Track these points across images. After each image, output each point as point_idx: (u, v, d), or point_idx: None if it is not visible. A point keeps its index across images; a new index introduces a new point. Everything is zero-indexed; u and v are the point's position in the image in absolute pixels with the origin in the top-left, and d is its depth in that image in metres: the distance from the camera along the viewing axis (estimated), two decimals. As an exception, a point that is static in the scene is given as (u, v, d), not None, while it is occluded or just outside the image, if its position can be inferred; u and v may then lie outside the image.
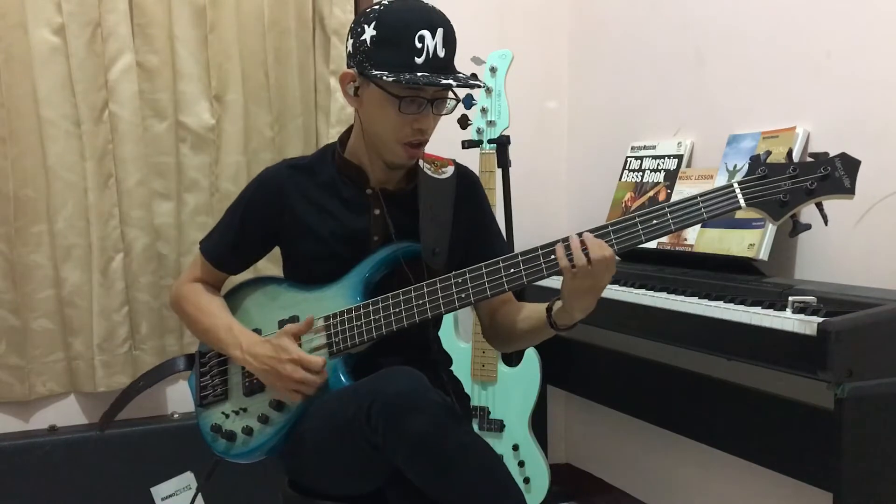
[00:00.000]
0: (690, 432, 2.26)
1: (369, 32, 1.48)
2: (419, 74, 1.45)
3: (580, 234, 1.39)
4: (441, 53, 1.47)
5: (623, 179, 2.57)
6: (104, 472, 2.38)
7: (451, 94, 1.53)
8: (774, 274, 1.99)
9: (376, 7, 1.50)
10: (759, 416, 2.00)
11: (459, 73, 1.52)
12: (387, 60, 1.46)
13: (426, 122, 1.52)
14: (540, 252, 1.43)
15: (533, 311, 1.58)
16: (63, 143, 2.37)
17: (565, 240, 1.40)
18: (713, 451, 2.22)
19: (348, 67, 1.55)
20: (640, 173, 2.50)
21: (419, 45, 1.45)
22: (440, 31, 1.47)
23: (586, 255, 1.36)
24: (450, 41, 1.49)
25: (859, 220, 1.88)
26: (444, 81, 1.46)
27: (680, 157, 2.39)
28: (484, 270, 1.46)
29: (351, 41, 1.53)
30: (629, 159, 2.57)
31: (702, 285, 1.92)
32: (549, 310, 1.51)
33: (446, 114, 1.56)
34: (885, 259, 1.84)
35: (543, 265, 1.42)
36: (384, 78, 1.45)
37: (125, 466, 2.40)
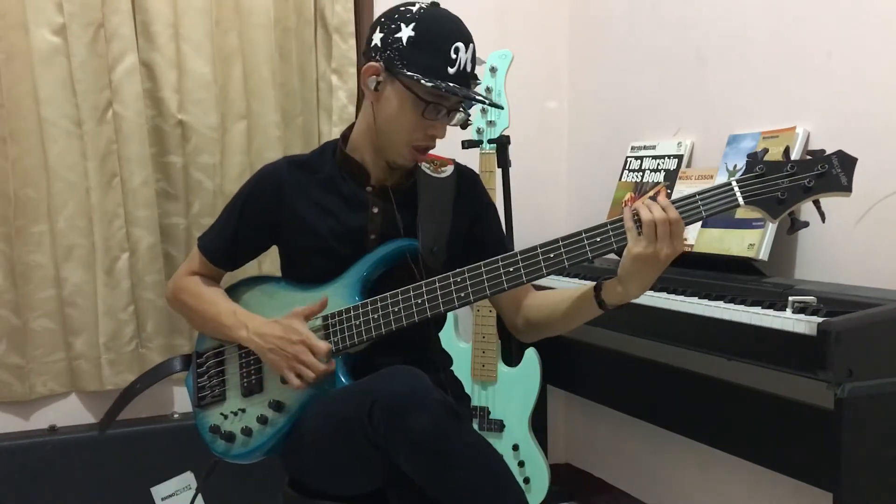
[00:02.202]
0: (690, 432, 2.26)
1: (407, 32, 1.48)
2: (452, 84, 1.48)
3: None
4: (469, 68, 1.52)
5: (623, 179, 2.57)
6: (104, 472, 2.38)
7: (461, 108, 1.57)
8: (774, 274, 1.99)
9: (413, 9, 1.51)
10: (759, 416, 2.00)
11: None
12: (422, 63, 1.48)
13: (441, 130, 1.56)
14: (539, 251, 1.43)
15: (572, 292, 1.55)
16: (64, 143, 2.37)
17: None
18: (713, 451, 2.22)
19: (368, 60, 1.54)
20: (640, 173, 2.50)
21: (454, 56, 1.48)
22: (471, 46, 1.52)
23: (653, 216, 1.35)
24: (474, 58, 1.54)
25: (859, 219, 1.88)
26: (480, 97, 1.52)
27: (680, 157, 2.39)
28: (483, 269, 1.46)
29: (380, 35, 1.52)
30: (629, 159, 2.57)
31: (702, 285, 1.92)
32: (597, 289, 1.48)
33: (455, 125, 1.60)
34: (885, 259, 1.84)
35: (542, 264, 1.42)
36: (421, 81, 1.46)
37: (125, 466, 2.40)
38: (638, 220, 1.37)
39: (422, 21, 1.49)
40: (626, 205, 2.50)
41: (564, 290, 1.60)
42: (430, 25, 1.49)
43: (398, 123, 1.54)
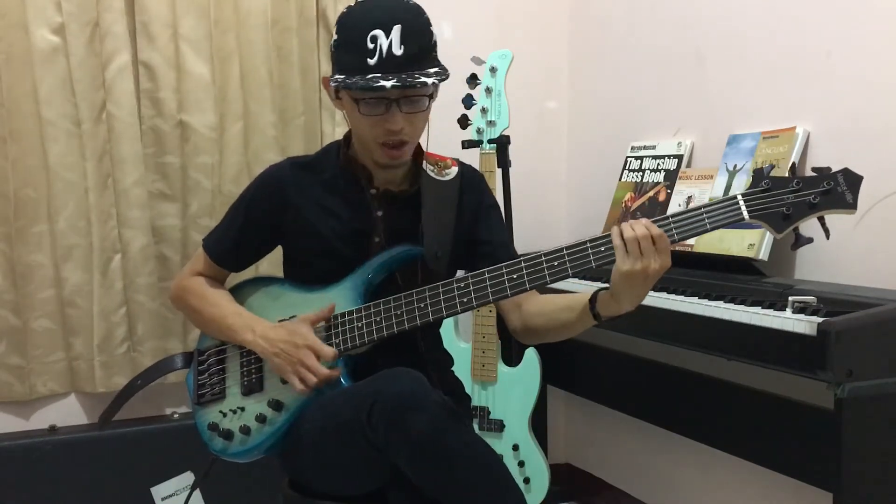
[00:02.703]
0: (690, 432, 2.26)
1: (335, 38, 1.51)
2: (369, 76, 1.44)
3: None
4: (398, 51, 1.44)
5: (623, 179, 2.57)
6: (104, 472, 2.38)
7: (432, 90, 1.51)
8: (774, 274, 1.99)
9: (344, 10, 1.52)
10: (759, 416, 2.00)
11: (430, 68, 1.48)
12: (344, 64, 1.48)
13: (395, 123, 1.50)
14: (543, 258, 1.43)
15: (571, 301, 1.55)
16: (64, 143, 2.36)
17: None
18: (713, 451, 2.22)
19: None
20: (640, 173, 2.50)
21: (371, 46, 1.44)
22: (397, 28, 1.44)
23: (635, 232, 1.36)
24: (411, 37, 1.45)
25: (859, 220, 1.88)
26: (379, 84, 1.42)
27: (680, 157, 2.39)
28: (487, 276, 1.46)
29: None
30: (629, 159, 2.57)
31: (702, 285, 1.92)
32: (592, 300, 1.48)
33: (421, 111, 1.52)
34: (885, 259, 1.84)
35: (546, 272, 1.42)
36: (334, 83, 1.49)
37: (125, 466, 2.40)
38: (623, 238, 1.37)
39: (340, 22, 1.50)
40: (625, 205, 2.50)
41: (562, 297, 1.61)
42: (347, 23, 1.49)
43: (356, 126, 1.55)
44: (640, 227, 1.36)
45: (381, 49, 1.44)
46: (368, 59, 1.44)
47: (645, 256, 1.36)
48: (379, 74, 1.44)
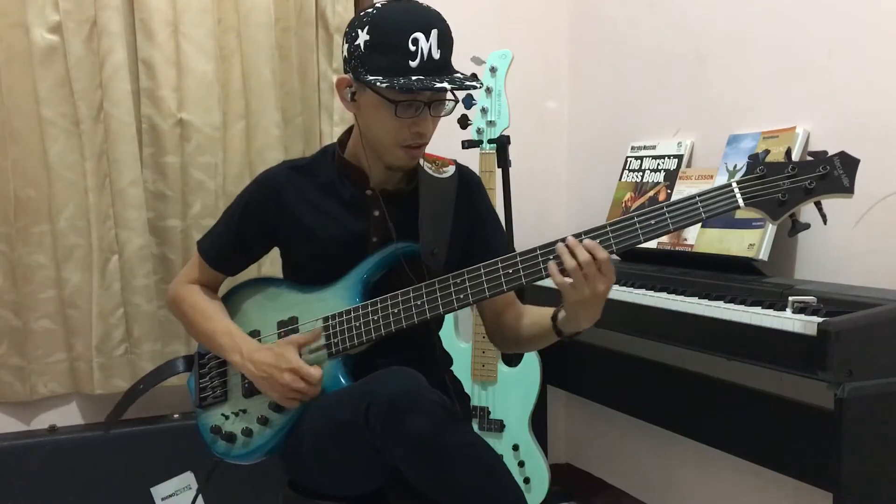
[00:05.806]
0: (691, 432, 2.26)
1: (363, 37, 1.46)
2: (414, 79, 1.43)
3: (564, 240, 1.39)
4: (436, 55, 1.45)
5: (623, 179, 2.57)
6: (104, 472, 2.38)
7: (449, 95, 1.52)
8: (774, 274, 1.99)
9: (370, 10, 1.49)
10: (759, 416, 2.00)
11: (457, 73, 1.50)
12: (381, 65, 1.45)
13: (424, 126, 1.51)
14: (538, 252, 1.43)
15: (538, 317, 1.58)
16: (63, 143, 2.36)
17: (553, 251, 1.40)
18: (713, 451, 2.22)
19: (344, 72, 1.54)
20: (640, 173, 2.50)
21: (413, 49, 1.43)
22: (435, 31, 1.45)
23: (576, 261, 1.36)
24: (445, 41, 1.47)
25: (859, 220, 1.88)
26: (439, 85, 1.44)
27: (680, 157, 2.39)
28: (482, 271, 1.46)
29: (346, 46, 1.51)
30: (629, 159, 2.57)
31: (702, 285, 1.92)
32: (554, 317, 1.51)
33: (445, 115, 1.55)
34: (885, 259, 1.84)
35: (542, 265, 1.42)
36: (378, 84, 1.44)
37: (125, 466, 2.40)
38: (564, 270, 1.37)
39: (374, 22, 1.46)
40: (625, 205, 2.50)
41: (533, 312, 1.63)
42: (383, 24, 1.46)
43: (380, 129, 1.52)
44: (581, 254, 1.35)
45: (422, 52, 1.44)
46: (410, 62, 1.44)
47: (590, 281, 1.36)
48: (423, 77, 1.44)
